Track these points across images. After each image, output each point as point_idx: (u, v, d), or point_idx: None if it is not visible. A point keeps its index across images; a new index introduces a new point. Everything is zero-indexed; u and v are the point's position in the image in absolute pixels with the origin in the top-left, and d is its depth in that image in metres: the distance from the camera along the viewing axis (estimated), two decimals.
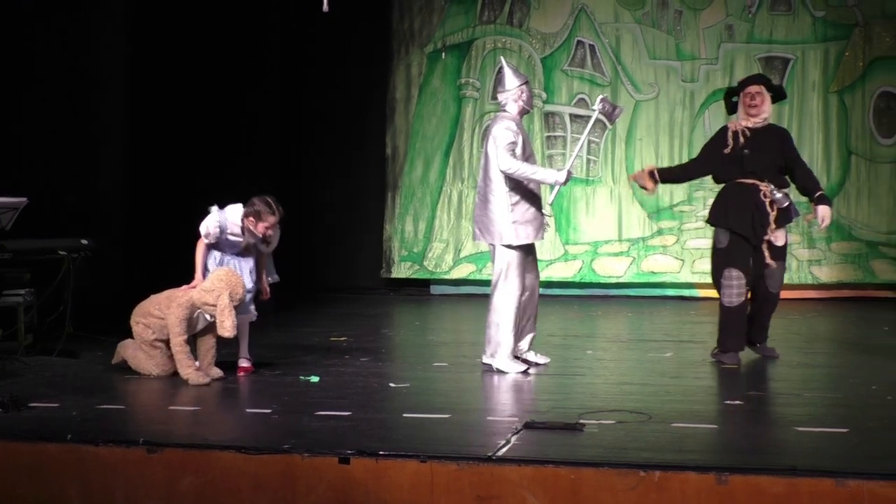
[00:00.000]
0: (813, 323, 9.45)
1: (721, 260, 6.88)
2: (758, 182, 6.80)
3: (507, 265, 6.62)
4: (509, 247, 6.62)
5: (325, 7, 7.17)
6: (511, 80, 6.77)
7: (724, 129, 7.04)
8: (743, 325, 6.93)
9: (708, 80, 12.19)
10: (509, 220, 6.58)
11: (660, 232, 12.15)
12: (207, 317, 6.31)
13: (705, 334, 8.17)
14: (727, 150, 6.88)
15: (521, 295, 6.66)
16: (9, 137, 8.62)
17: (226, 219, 6.51)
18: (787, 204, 6.78)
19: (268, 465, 4.41)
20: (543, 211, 6.84)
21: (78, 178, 9.12)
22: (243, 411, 5.71)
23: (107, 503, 4.53)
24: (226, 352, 6.61)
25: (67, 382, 6.29)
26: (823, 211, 6.83)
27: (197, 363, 6.32)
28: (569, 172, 6.63)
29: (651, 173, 7.25)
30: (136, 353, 6.44)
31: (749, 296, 6.89)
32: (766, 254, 6.78)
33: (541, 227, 6.73)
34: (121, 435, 4.74)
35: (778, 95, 7.15)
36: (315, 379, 6.32)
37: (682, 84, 12.25)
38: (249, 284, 6.57)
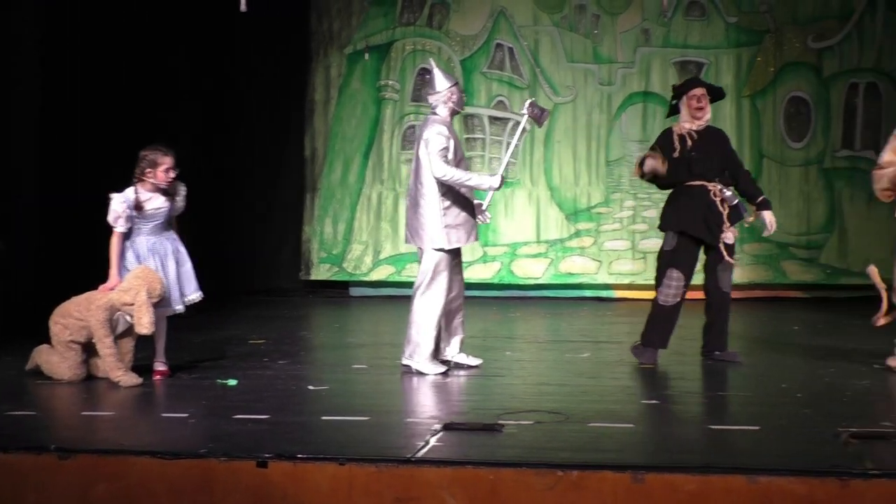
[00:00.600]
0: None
1: (665, 261, 6.96)
2: (705, 183, 6.88)
3: (435, 268, 6.60)
4: (440, 250, 6.60)
5: (243, 7, 7.09)
6: (441, 83, 6.77)
7: (668, 132, 7.08)
8: (671, 325, 6.98)
9: (625, 83, 12.33)
10: (441, 223, 6.58)
11: (577, 233, 12.26)
12: (127, 318, 6.22)
13: (622, 335, 8.28)
14: (675, 154, 6.92)
15: (447, 298, 6.64)
16: None
17: (128, 196, 6.41)
18: (736, 202, 6.88)
19: (184, 470, 4.36)
20: (479, 219, 6.84)
21: None
22: (159, 416, 5.64)
23: None
24: (141, 356, 6.51)
25: None
26: (770, 216, 7.00)
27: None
28: (502, 177, 6.63)
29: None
30: (51, 357, 6.32)
31: (683, 299, 6.94)
32: (725, 252, 6.87)
33: (472, 231, 6.73)
34: (32, 441, 4.65)
35: (716, 96, 7.22)
36: (233, 382, 6.27)
37: (599, 87, 12.37)
38: (172, 265, 6.49)
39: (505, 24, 12.51)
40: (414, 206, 6.70)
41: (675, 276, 6.88)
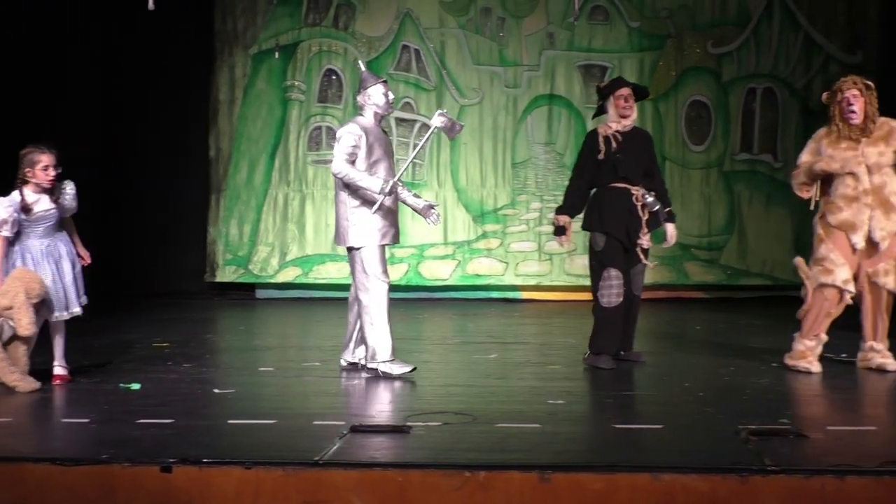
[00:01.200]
0: None
1: (599, 262, 6.91)
2: (629, 186, 6.90)
3: (362, 267, 6.54)
4: (358, 248, 6.55)
5: (151, 5, 6.94)
6: (364, 83, 6.75)
7: (593, 134, 7.04)
8: (618, 327, 6.94)
9: (530, 86, 12.44)
10: (351, 222, 6.55)
11: (484, 235, 12.33)
12: (11, 323, 6.06)
13: (529, 336, 8.36)
14: (600, 156, 6.90)
15: (387, 293, 6.54)
16: None
17: (13, 199, 6.26)
18: (656, 208, 6.91)
19: (85, 477, 4.27)
20: (429, 220, 6.80)
21: None
22: (59, 421, 5.51)
23: None
24: (40, 360, 6.35)
25: None
26: (673, 230, 7.08)
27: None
28: (393, 186, 6.50)
29: (562, 228, 7.10)
30: None
31: (624, 297, 6.91)
32: (642, 256, 6.91)
33: (388, 232, 6.61)
34: None
35: (641, 96, 7.20)
36: (136, 386, 6.16)
37: (505, 90, 12.46)
38: (67, 267, 6.35)
39: (411, 26, 12.52)
40: (337, 206, 6.69)
41: (613, 274, 6.84)
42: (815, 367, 6.65)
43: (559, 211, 7.13)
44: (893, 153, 6.59)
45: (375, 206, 6.52)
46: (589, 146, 7.03)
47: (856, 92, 6.65)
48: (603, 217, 6.90)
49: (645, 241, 6.93)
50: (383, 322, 6.53)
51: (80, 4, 11.49)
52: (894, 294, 6.64)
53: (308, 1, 12.62)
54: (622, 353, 7.07)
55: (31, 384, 6.02)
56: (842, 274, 6.60)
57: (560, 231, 7.10)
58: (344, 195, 6.59)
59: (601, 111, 7.18)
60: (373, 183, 6.49)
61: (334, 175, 6.54)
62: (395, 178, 6.57)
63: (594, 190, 7.06)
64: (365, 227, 6.54)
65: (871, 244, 6.60)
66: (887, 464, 4.10)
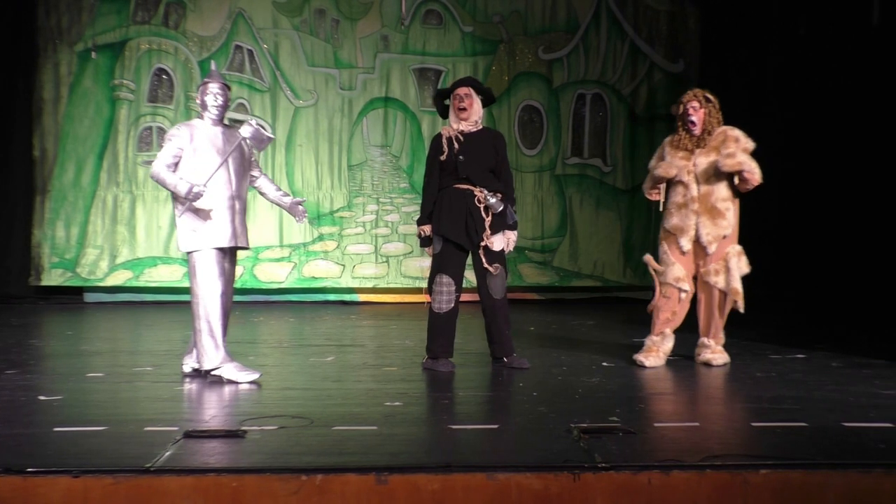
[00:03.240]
0: (465, 325, 9.88)
1: (434, 266, 6.89)
2: (472, 187, 6.83)
3: (192, 271, 6.41)
4: (190, 253, 6.41)
5: None
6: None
7: (437, 137, 6.99)
8: (451, 332, 6.91)
9: (365, 88, 12.48)
10: (189, 226, 6.40)
11: (321, 237, 12.29)
12: None
13: (366, 338, 8.35)
14: (443, 157, 6.85)
15: (216, 299, 6.40)
16: None
17: None
18: (501, 208, 6.83)
19: None
20: (297, 219, 6.75)
21: None
22: None
23: None
24: None
25: None
26: (513, 237, 7.00)
27: None
28: (193, 186, 6.28)
29: (428, 238, 6.97)
30: None
31: (457, 303, 6.90)
32: (483, 259, 6.82)
33: (221, 234, 6.43)
34: None
35: (488, 99, 7.12)
36: None
37: (340, 92, 12.46)
38: None
39: (244, 26, 12.40)
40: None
41: (444, 281, 6.84)
42: (649, 362, 6.99)
43: (420, 221, 7.02)
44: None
45: (182, 210, 6.39)
46: (434, 149, 6.99)
47: (695, 104, 7.04)
48: (441, 219, 6.85)
49: (496, 242, 6.87)
50: (215, 327, 6.42)
51: None
52: (725, 292, 6.96)
53: None
54: (504, 359, 6.99)
55: None
56: (674, 272, 7.02)
57: (426, 242, 7.01)
58: (174, 199, 6.48)
59: (446, 112, 7.10)
60: (181, 189, 6.32)
61: (151, 177, 6.45)
62: (203, 184, 6.35)
63: (439, 192, 6.98)
64: (195, 230, 6.41)
65: (701, 248, 6.94)
66: (709, 458, 4.28)
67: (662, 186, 7.18)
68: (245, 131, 6.54)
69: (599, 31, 12.65)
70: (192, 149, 6.43)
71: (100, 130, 12.32)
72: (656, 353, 7.08)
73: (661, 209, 7.22)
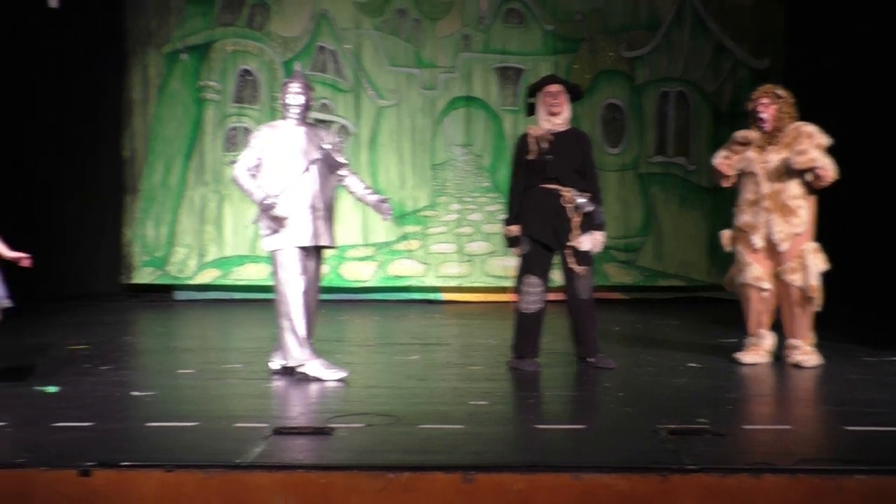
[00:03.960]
0: (550, 325, 9.84)
1: (521, 267, 6.83)
2: (559, 188, 6.74)
3: (276, 270, 6.49)
4: (274, 251, 6.50)
5: (55, 3, 6.78)
6: None
7: (524, 137, 6.89)
8: (538, 332, 6.86)
9: (447, 87, 12.50)
10: (262, 226, 6.51)
11: (405, 236, 12.35)
12: None
13: (451, 337, 8.37)
14: (530, 157, 6.76)
15: (298, 298, 6.46)
16: None
17: None
18: (591, 209, 6.77)
19: (2, 482, 4.18)
20: (382, 216, 6.81)
21: None
22: None
23: None
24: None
25: None
26: (601, 237, 6.90)
27: None
28: (267, 196, 6.40)
29: (515, 239, 6.90)
30: None
31: (545, 303, 6.85)
32: (571, 259, 6.75)
33: (302, 233, 6.48)
34: None
35: (574, 96, 7.01)
36: (52, 389, 6.04)
37: (422, 91, 12.50)
38: None
39: (327, 27, 12.50)
40: None
41: (532, 281, 6.77)
42: (747, 358, 6.99)
43: (507, 222, 6.95)
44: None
45: (259, 213, 6.51)
46: (519, 148, 6.92)
47: (766, 101, 6.93)
48: (528, 220, 6.79)
49: (584, 242, 6.79)
50: (298, 325, 6.47)
51: None
52: (804, 290, 6.84)
53: (221, 0, 12.51)
54: (590, 359, 6.93)
55: None
56: (752, 271, 6.95)
57: (513, 242, 6.94)
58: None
59: (532, 110, 7.02)
60: (257, 197, 6.46)
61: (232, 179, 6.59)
62: (276, 195, 6.42)
63: (525, 192, 6.89)
64: (274, 230, 6.49)
65: (773, 246, 6.84)
66: (802, 462, 4.21)
67: (735, 174, 7.06)
68: (326, 143, 6.61)
69: (682, 27, 12.51)
70: (274, 150, 6.51)
71: (187, 131, 12.53)
72: (755, 351, 7.01)
73: (722, 182, 7.09)
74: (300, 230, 6.48)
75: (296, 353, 6.47)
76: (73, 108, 12.12)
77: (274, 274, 6.54)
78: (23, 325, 9.05)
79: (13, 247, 6.55)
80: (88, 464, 4.20)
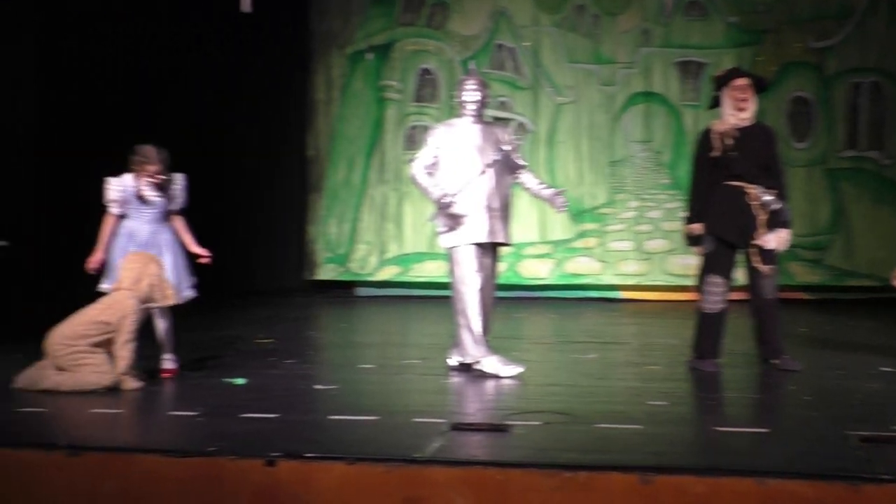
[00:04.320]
0: (733, 325, 9.60)
1: (704, 266, 6.68)
2: (745, 185, 6.55)
3: (454, 266, 6.54)
4: (452, 248, 6.55)
5: (247, 7, 7.05)
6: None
7: (706, 132, 6.71)
8: (720, 332, 6.71)
9: (626, 83, 12.35)
10: (440, 223, 6.57)
11: (582, 234, 12.27)
12: (145, 305, 6.19)
13: (629, 336, 8.27)
14: (714, 153, 6.59)
15: (474, 294, 6.49)
16: None
17: (124, 181, 6.58)
18: (778, 206, 6.58)
19: (192, 469, 4.35)
20: (557, 209, 6.79)
21: None
22: (167, 414, 5.63)
23: None
24: (149, 353, 6.49)
25: None
26: (786, 235, 6.67)
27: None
28: (445, 194, 6.46)
29: (697, 238, 6.77)
30: (70, 375, 5.99)
31: (728, 303, 6.68)
32: (755, 258, 6.57)
33: (478, 230, 6.51)
34: (42, 438, 4.65)
35: (760, 88, 6.77)
36: (241, 381, 6.26)
37: (601, 87, 12.38)
38: (169, 258, 6.52)
39: (505, 25, 12.53)
40: None
41: (715, 281, 6.60)
42: None
43: (689, 220, 6.78)
44: None
45: (432, 214, 6.61)
46: (702, 145, 6.72)
47: None
48: (713, 218, 6.59)
49: (769, 241, 6.57)
50: (474, 321, 6.49)
51: (180, 8, 11.72)
52: None
53: (402, 0, 12.71)
54: (774, 361, 6.72)
55: (138, 383, 6.10)
56: None
57: (695, 241, 6.77)
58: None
59: (716, 103, 6.81)
60: (433, 194, 6.54)
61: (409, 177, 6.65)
62: (454, 194, 6.47)
63: (709, 190, 6.69)
64: (450, 227, 6.54)
65: None
66: None
67: None
68: (506, 144, 6.64)
69: (877, 15, 11.98)
70: (451, 148, 6.57)
71: (368, 130, 12.79)
72: None
73: None
74: (477, 227, 6.51)
75: (471, 349, 6.51)
76: (261, 108, 12.53)
77: (451, 271, 6.60)
78: (213, 320, 9.43)
79: (202, 243, 6.83)
80: (274, 454, 4.33)
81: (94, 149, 10.18)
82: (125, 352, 6.04)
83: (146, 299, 6.16)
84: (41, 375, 6.05)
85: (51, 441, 4.57)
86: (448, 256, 6.64)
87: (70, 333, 6.03)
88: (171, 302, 6.24)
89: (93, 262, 6.51)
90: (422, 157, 6.62)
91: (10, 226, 8.81)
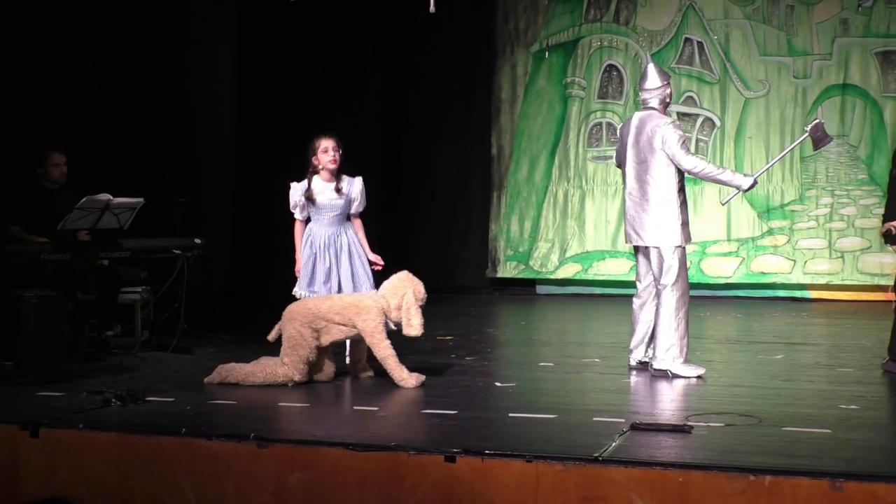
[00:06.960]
0: None
1: None
2: None
3: (678, 266, 6.45)
4: (678, 247, 6.48)
5: (432, 8, 7.17)
6: (655, 79, 6.69)
7: None
8: None
9: (821, 76, 11.92)
10: (678, 221, 6.44)
11: (770, 232, 11.93)
12: (391, 324, 6.27)
13: (818, 336, 8.00)
14: None
15: (688, 296, 6.49)
16: (128, 143, 8.87)
17: (303, 184, 6.69)
18: None
19: (374, 462, 4.45)
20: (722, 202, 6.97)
21: (190, 179, 9.32)
22: (351, 409, 5.77)
23: (218, 496, 4.62)
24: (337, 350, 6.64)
25: (181, 378, 6.43)
26: None
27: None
28: (755, 181, 6.50)
29: (894, 237, 6.57)
30: (263, 368, 6.20)
31: None
32: None
33: (689, 231, 6.58)
34: (232, 430, 4.83)
35: None
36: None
37: (793, 81, 12.01)
38: (346, 260, 6.67)
39: (694, 19, 12.29)
40: (642, 203, 6.51)
41: None
42: None
43: (887, 217, 6.56)
44: None
45: (728, 197, 6.90)
46: None
47: None
48: None
49: None
50: (684, 325, 6.41)
51: (367, 12, 11.99)
52: None
53: None
54: None
55: (419, 378, 6.13)
56: None
57: (892, 240, 6.54)
58: (669, 193, 6.44)
59: None
60: (734, 178, 6.57)
61: (690, 172, 6.45)
62: (757, 175, 6.59)
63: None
64: (686, 225, 6.47)
65: None
66: None
67: None
68: (811, 130, 6.66)
69: None
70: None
71: (552, 128, 12.77)
72: None
73: None
74: (689, 228, 6.53)
75: (677, 351, 6.39)
76: (445, 107, 12.71)
77: (670, 270, 6.44)
78: None
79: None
80: (454, 450, 4.39)
81: (290, 152, 10.57)
82: (384, 351, 6.13)
83: (392, 316, 6.23)
84: (231, 369, 6.27)
85: (242, 433, 4.74)
86: (663, 254, 6.46)
87: (314, 308, 6.18)
88: (415, 334, 6.16)
89: (296, 269, 6.71)
90: (687, 147, 6.53)
91: (210, 226, 9.19)
